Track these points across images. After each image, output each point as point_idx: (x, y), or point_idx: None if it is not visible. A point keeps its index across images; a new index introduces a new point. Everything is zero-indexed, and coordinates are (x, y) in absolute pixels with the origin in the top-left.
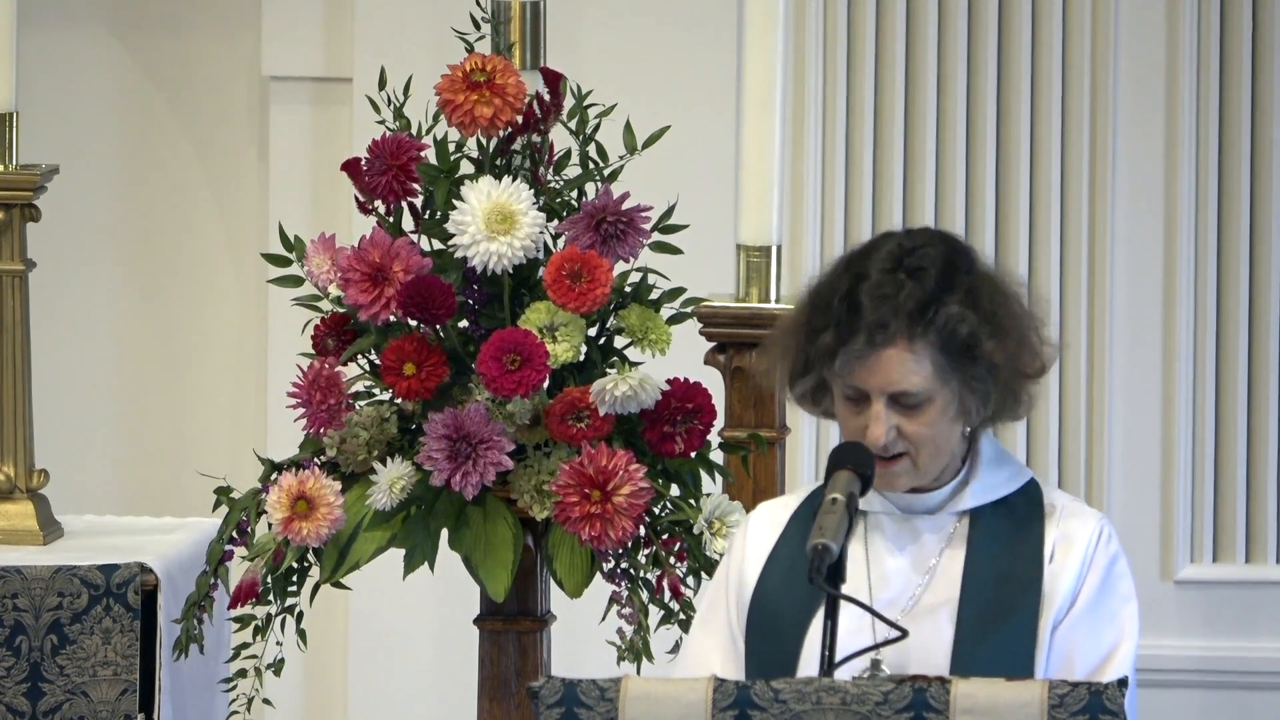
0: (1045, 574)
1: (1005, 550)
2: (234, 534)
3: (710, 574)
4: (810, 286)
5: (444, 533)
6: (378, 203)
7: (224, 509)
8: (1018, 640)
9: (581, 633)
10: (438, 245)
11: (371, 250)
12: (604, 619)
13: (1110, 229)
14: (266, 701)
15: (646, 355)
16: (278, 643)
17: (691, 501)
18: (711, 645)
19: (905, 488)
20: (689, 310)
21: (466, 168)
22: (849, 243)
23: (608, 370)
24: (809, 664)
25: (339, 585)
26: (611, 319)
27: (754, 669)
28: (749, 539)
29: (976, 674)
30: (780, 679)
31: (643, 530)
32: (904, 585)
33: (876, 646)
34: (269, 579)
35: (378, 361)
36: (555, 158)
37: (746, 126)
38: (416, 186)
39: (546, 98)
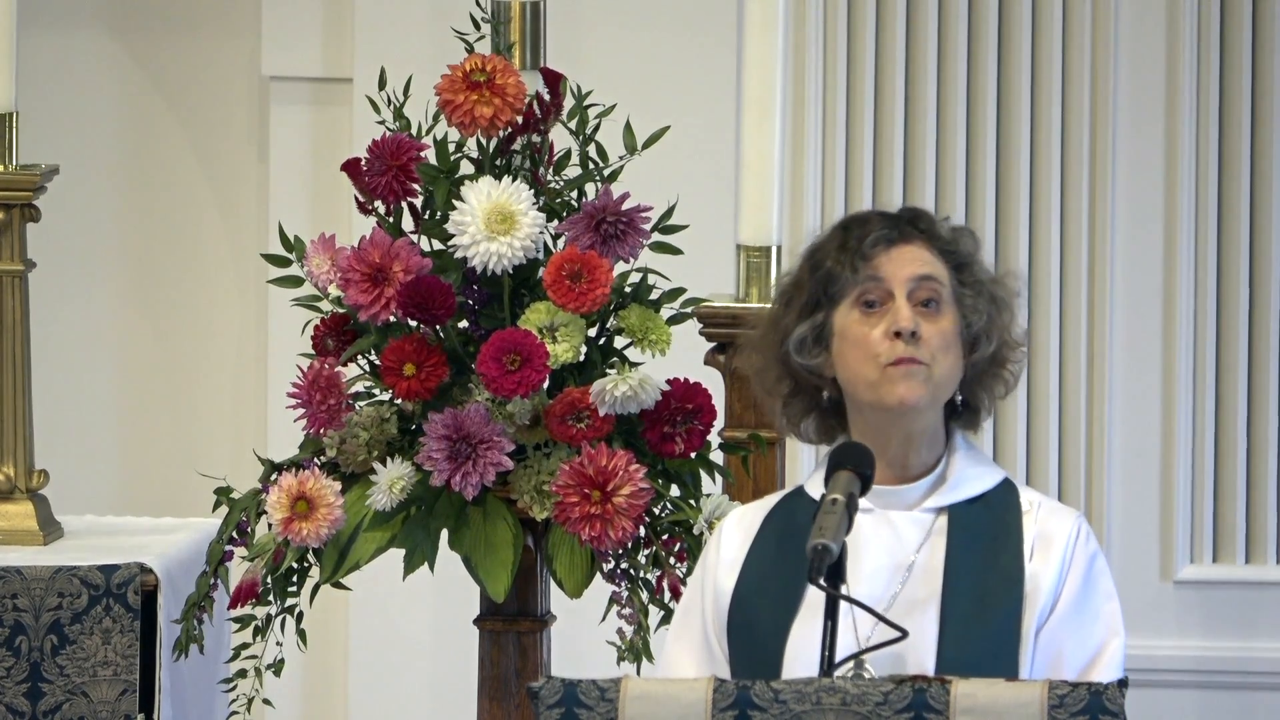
0: (1026, 571)
1: (985, 546)
2: (234, 534)
3: None
4: (805, 250)
5: (444, 533)
6: (378, 203)
7: (224, 509)
8: (1002, 635)
9: (581, 633)
10: (438, 245)
11: (371, 250)
12: (604, 619)
13: (1110, 229)
14: (266, 702)
15: (646, 355)
16: (278, 643)
17: (691, 502)
18: (686, 654)
19: (920, 399)
20: (689, 310)
21: (466, 168)
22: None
23: (608, 370)
24: (792, 666)
25: (339, 585)
26: (611, 319)
27: (738, 674)
28: (722, 546)
29: (962, 669)
30: (780, 679)
31: (643, 530)
32: (885, 583)
33: (878, 647)
34: (269, 579)
35: (378, 362)
36: (555, 158)
37: (746, 126)
38: (416, 187)
39: (546, 98)
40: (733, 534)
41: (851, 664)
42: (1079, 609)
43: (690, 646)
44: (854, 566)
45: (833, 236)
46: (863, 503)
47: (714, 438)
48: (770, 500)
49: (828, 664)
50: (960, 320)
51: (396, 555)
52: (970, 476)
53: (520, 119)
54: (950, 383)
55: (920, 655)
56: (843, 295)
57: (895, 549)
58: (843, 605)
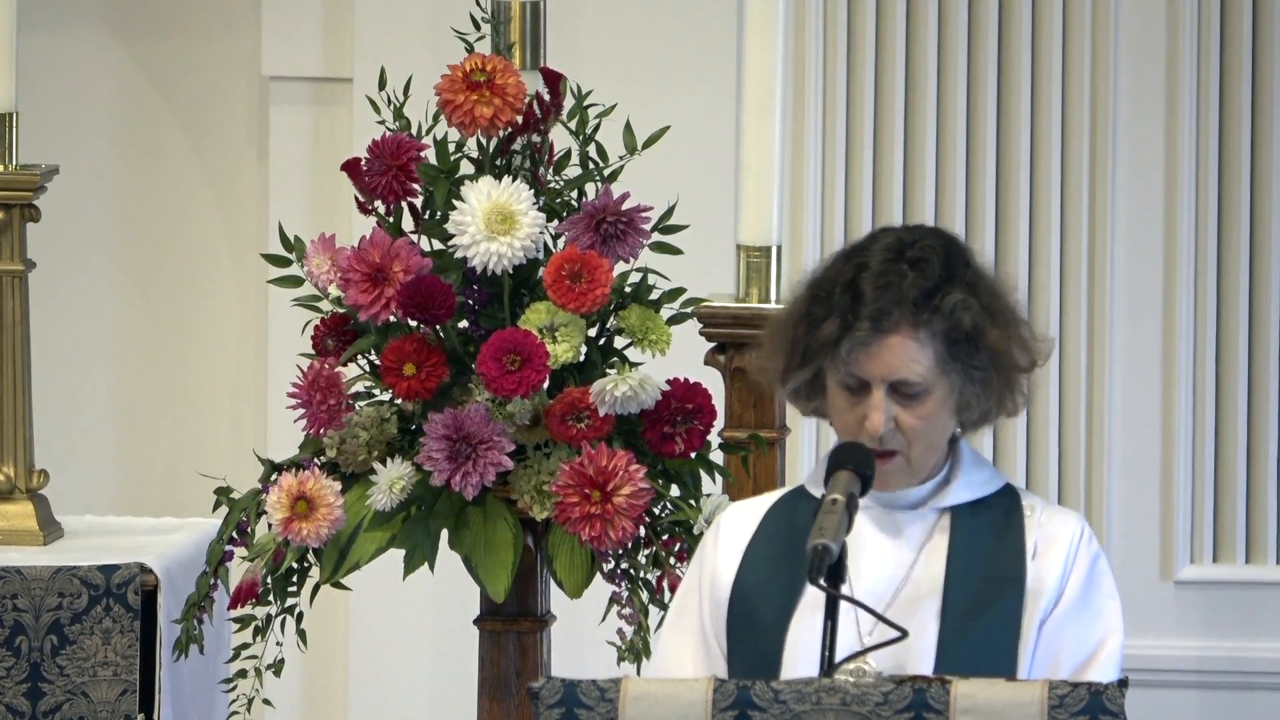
0: (1028, 570)
1: (987, 546)
2: (234, 534)
3: None
4: (808, 279)
5: (444, 533)
6: (378, 203)
7: (224, 509)
8: (1001, 634)
9: (581, 633)
10: (438, 245)
11: (371, 250)
12: (604, 619)
13: (1110, 229)
14: (267, 702)
15: (646, 355)
16: (278, 643)
17: (691, 502)
18: (684, 648)
19: (898, 487)
20: (689, 310)
21: (466, 168)
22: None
23: (608, 370)
24: (791, 664)
25: (339, 585)
26: (611, 319)
27: (736, 671)
28: (721, 540)
29: (961, 667)
30: (780, 680)
31: (643, 530)
32: (887, 581)
33: (876, 647)
34: (269, 579)
35: (378, 362)
36: (555, 158)
37: (746, 126)
38: (416, 186)
39: (546, 98)
40: (732, 528)
41: (853, 663)
42: (1081, 606)
43: (688, 640)
44: (856, 565)
45: (833, 300)
46: (866, 502)
47: (714, 438)
48: (770, 497)
49: (828, 664)
50: (950, 387)
51: (396, 555)
52: (973, 480)
53: (520, 119)
54: (935, 448)
55: (920, 653)
56: (829, 369)
57: (898, 548)
58: (844, 605)
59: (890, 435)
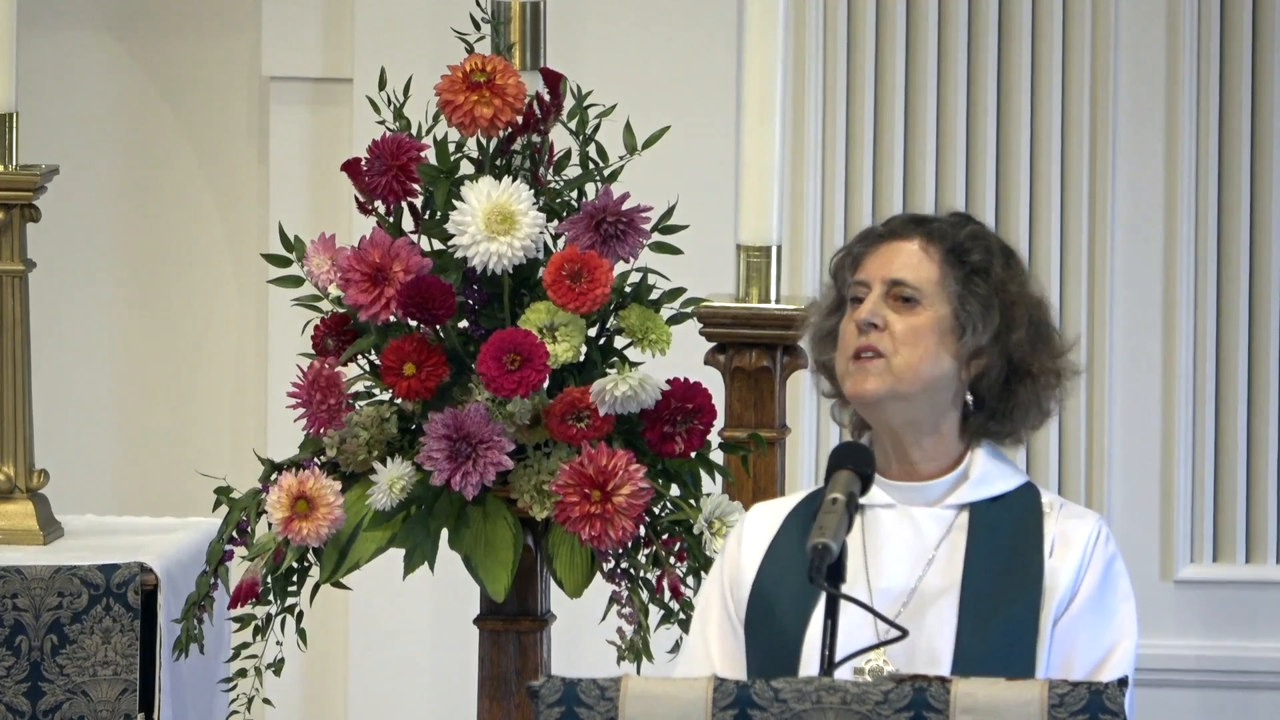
0: (1045, 568)
1: (1005, 543)
2: (234, 534)
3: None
4: None
5: (444, 533)
6: (378, 203)
7: (224, 509)
8: (1020, 629)
9: (581, 633)
10: (438, 245)
11: (371, 250)
12: (604, 619)
13: (1110, 229)
14: (267, 701)
15: (646, 355)
16: (278, 643)
17: (691, 501)
18: (714, 643)
19: (876, 392)
20: (689, 310)
21: (466, 168)
22: None
23: (608, 370)
24: (810, 661)
25: (339, 585)
26: (611, 319)
27: (755, 668)
28: (745, 538)
29: (979, 662)
30: (780, 678)
31: (643, 530)
32: (904, 576)
33: (876, 646)
34: (269, 579)
35: (378, 361)
36: (555, 158)
37: (746, 127)
38: (416, 187)
39: (546, 98)
40: (756, 527)
41: (869, 663)
42: (1095, 608)
43: (717, 635)
44: (874, 560)
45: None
46: (884, 498)
47: (714, 437)
48: (794, 498)
49: (828, 663)
50: (946, 309)
51: (396, 555)
52: (992, 475)
53: (520, 119)
54: (918, 375)
55: (938, 648)
56: (846, 296)
57: (916, 544)
58: (853, 604)
59: (877, 334)
